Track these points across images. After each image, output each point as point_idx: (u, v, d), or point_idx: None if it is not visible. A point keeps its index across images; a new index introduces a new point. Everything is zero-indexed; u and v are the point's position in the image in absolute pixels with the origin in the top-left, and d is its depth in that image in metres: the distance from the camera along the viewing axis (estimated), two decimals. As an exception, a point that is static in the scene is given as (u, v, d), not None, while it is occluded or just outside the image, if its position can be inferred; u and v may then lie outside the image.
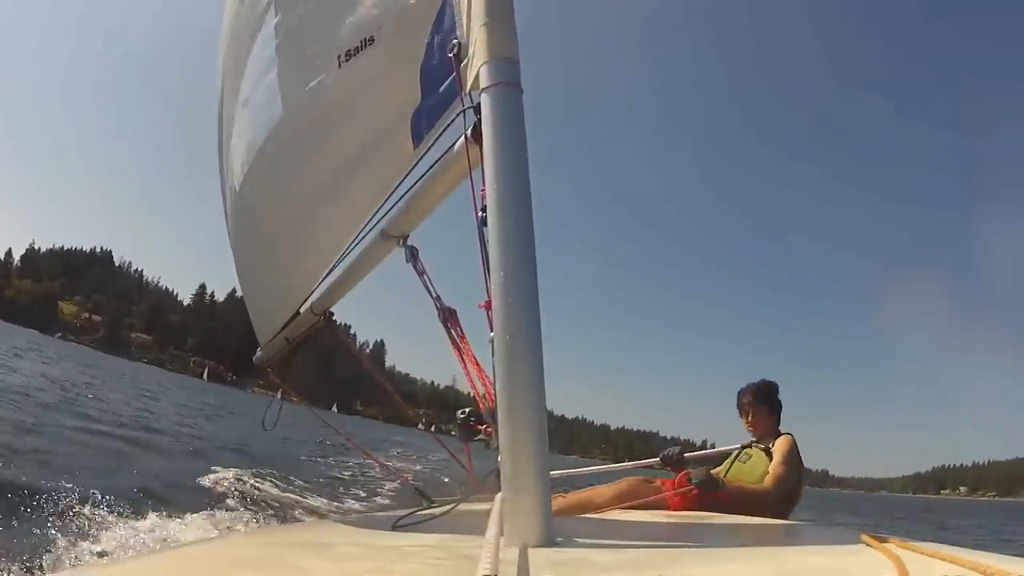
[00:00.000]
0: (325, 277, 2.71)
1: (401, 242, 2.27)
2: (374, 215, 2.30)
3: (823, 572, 1.28)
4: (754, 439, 3.45)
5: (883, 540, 1.34)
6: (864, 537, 1.47)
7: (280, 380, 3.56)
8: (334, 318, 2.98)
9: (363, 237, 2.43)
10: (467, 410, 1.79)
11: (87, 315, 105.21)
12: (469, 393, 1.84)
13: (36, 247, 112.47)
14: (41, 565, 2.77)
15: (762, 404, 3.46)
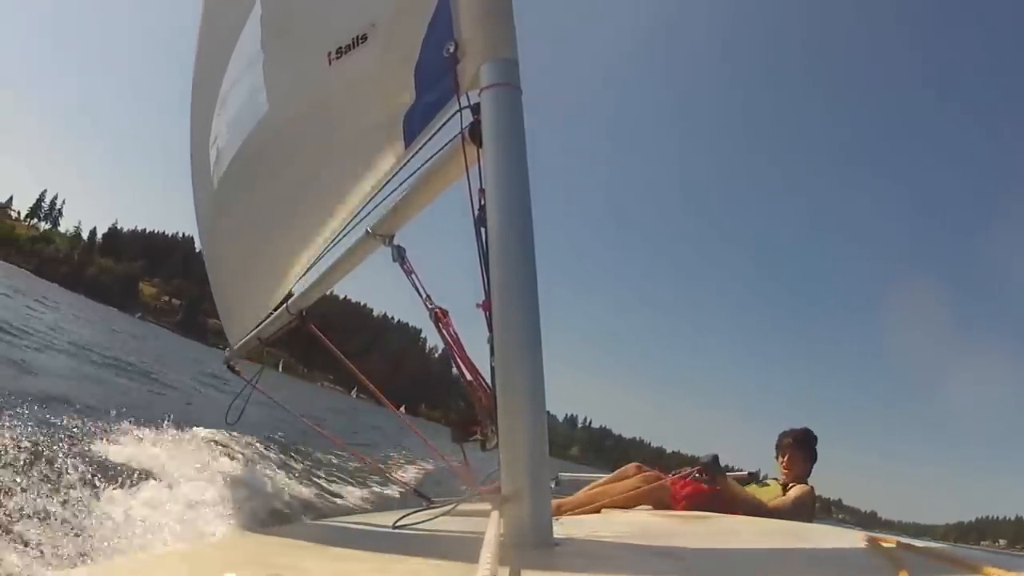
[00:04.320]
0: (301, 277, 2.66)
1: (387, 241, 2.23)
2: (357, 215, 2.25)
3: (825, 572, 1.28)
4: (784, 481, 3.53)
5: (884, 541, 1.35)
6: (866, 538, 1.45)
7: (247, 379, 3.60)
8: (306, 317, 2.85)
9: (343, 237, 2.37)
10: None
11: (167, 298, 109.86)
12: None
13: (119, 227, 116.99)
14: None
15: (801, 450, 3.55)
